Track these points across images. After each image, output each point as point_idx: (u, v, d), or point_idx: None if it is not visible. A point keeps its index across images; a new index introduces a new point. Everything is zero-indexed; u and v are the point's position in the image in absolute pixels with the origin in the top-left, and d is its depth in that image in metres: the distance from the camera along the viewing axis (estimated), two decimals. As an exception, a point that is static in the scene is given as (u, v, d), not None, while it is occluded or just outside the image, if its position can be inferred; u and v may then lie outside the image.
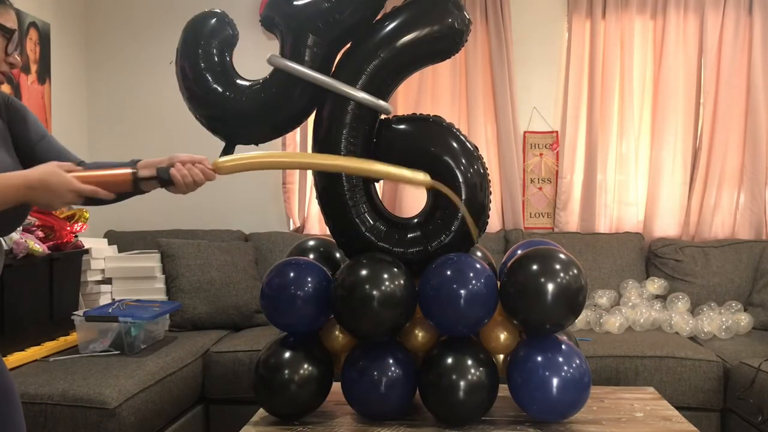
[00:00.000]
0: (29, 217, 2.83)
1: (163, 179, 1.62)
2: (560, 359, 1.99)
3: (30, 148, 1.67)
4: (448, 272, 2.00)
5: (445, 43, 2.13)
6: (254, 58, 2.36)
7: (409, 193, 3.84)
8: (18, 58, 1.60)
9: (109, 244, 3.57)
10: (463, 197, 2.10)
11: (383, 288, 1.97)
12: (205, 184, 1.65)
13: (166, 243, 3.47)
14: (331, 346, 2.18)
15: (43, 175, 1.44)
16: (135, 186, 1.60)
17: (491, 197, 2.19)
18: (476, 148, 2.17)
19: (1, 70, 1.56)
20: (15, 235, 2.63)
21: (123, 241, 3.68)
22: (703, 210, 3.76)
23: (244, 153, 1.77)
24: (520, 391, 2.04)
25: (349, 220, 2.13)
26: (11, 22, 1.57)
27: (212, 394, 3.02)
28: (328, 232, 2.24)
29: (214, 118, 2.10)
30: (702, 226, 3.76)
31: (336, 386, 2.16)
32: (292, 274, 2.10)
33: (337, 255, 2.33)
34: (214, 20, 2.08)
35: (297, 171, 3.96)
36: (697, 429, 2.03)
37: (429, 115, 2.23)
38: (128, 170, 1.60)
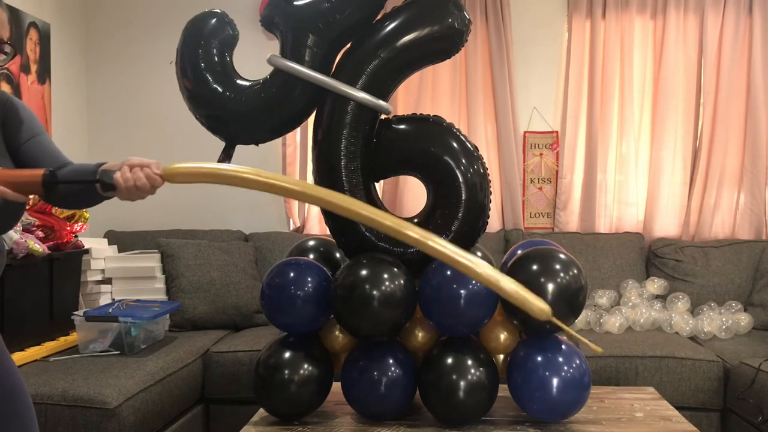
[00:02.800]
0: (29, 217, 2.83)
1: (105, 182, 1.48)
2: (560, 359, 1.99)
3: (17, 148, 1.62)
4: (448, 272, 2.00)
5: (445, 43, 2.13)
6: (254, 58, 2.36)
7: (409, 193, 3.84)
8: None
9: (109, 244, 3.57)
10: (463, 197, 2.10)
11: (383, 288, 1.97)
12: (153, 192, 1.51)
13: (166, 243, 3.47)
14: (331, 346, 2.18)
15: None
16: (47, 189, 1.45)
17: (491, 197, 2.20)
18: (476, 148, 2.17)
19: None
20: (15, 235, 2.63)
21: (123, 241, 3.68)
22: (703, 210, 3.76)
23: (200, 163, 1.58)
24: (520, 391, 2.04)
25: (349, 220, 2.13)
26: None
27: (212, 394, 3.02)
28: (328, 232, 2.24)
29: (214, 118, 2.10)
30: (702, 226, 3.76)
31: (336, 386, 2.16)
32: (292, 274, 2.10)
33: (337, 255, 2.33)
34: (214, 20, 2.08)
35: (297, 170, 3.96)
36: (697, 429, 2.03)
37: (429, 115, 2.23)
38: (40, 171, 1.46)
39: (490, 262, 2.27)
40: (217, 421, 3.04)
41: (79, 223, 3.06)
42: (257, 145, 2.19)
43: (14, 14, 3.26)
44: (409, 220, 2.22)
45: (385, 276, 1.99)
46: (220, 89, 2.05)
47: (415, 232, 1.56)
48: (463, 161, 2.11)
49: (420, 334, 2.13)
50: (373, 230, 2.13)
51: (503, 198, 3.88)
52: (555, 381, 1.96)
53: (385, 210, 2.20)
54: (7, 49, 1.57)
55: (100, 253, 3.34)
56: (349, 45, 2.16)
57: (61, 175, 1.52)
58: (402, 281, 2.00)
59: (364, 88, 2.09)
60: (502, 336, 2.11)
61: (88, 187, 1.54)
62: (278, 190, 1.61)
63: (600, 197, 3.83)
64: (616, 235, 3.74)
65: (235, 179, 1.55)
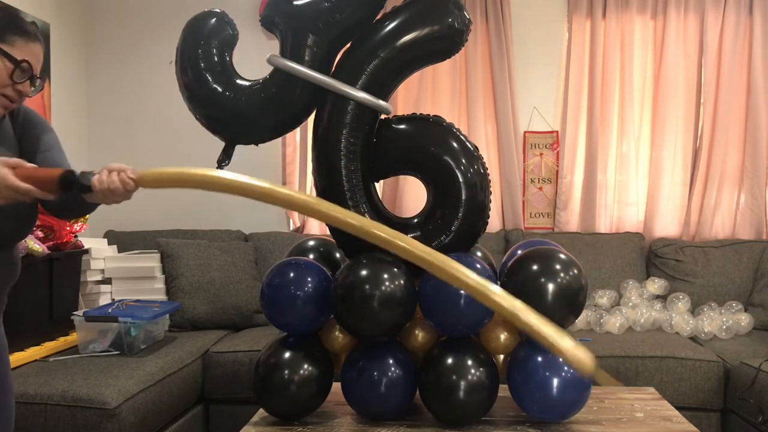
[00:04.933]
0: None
1: (82, 184, 1.53)
2: (560, 359, 1.99)
3: (31, 160, 1.66)
4: (448, 272, 2.00)
5: (445, 43, 2.13)
6: (254, 58, 2.36)
7: (409, 193, 3.84)
8: (29, 88, 1.63)
9: (109, 244, 3.57)
10: (463, 197, 2.10)
11: (383, 288, 1.97)
12: (128, 196, 1.55)
13: (166, 243, 3.47)
14: (331, 346, 2.18)
15: None
16: (62, 186, 1.50)
17: (491, 197, 2.19)
18: (476, 148, 2.17)
19: (6, 93, 1.60)
20: (15, 235, 2.62)
21: (123, 241, 3.68)
22: (703, 210, 3.76)
23: (176, 168, 1.59)
24: (520, 391, 2.04)
25: (349, 219, 2.12)
26: (28, 55, 1.60)
27: (212, 394, 3.02)
28: (328, 232, 2.24)
29: (213, 118, 2.10)
30: (702, 226, 3.76)
31: (336, 386, 2.16)
32: (292, 274, 2.10)
33: (337, 255, 2.33)
34: (214, 20, 2.08)
35: (297, 170, 3.96)
36: (697, 429, 2.02)
37: (429, 115, 2.23)
38: (60, 169, 1.53)
39: (490, 263, 2.27)
40: (217, 421, 3.04)
41: (79, 223, 3.06)
42: (257, 145, 2.19)
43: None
44: (410, 220, 2.22)
45: (385, 276, 1.99)
46: (219, 89, 2.04)
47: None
48: (463, 161, 2.11)
49: (420, 334, 2.13)
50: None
51: (503, 198, 3.88)
52: (555, 381, 1.96)
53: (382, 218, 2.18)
54: (37, 82, 1.65)
55: (100, 253, 3.34)
56: (349, 45, 2.16)
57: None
58: (402, 281, 2.00)
59: (364, 88, 2.09)
60: (502, 336, 2.10)
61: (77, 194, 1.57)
62: (250, 193, 1.59)
63: (600, 197, 3.83)
64: (617, 235, 3.74)
65: (203, 183, 1.56)
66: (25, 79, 1.61)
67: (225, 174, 1.54)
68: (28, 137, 1.72)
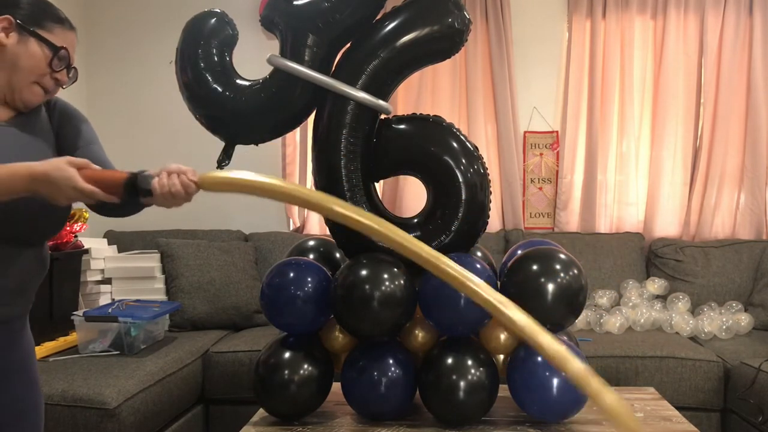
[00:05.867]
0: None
1: (142, 188, 1.47)
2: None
3: (71, 154, 1.62)
4: (448, 272, 2.00)
5: (445, 43, 2.13)
6: (254, 58, 2.36)
7: (409, 193, 3.84)
8: (66, 78, 1.61)
9: (109, 244, 3.57)
10: (463, 197, 2.10)
11: (383, 288, 1.97)
12: (188, 199, 1.49)
13: (166, 243, 3.47)
14: (331, 346, 2.18)
15: (48, 169, 1.38)
16: (126, 188, 1.46)
17: (491, 197, 2.20)
18: (476, 148, 2.17)
19: (43, 82, 1.57)
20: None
21: (123, 241, 3.68)
22: (703, 210, 3.76)
23: (239, 171, 1.52)
24: (520, 391, 2.04)
25: (349, 219, 2.12)
26: (65, 43, 1.58)
27: (212, 394, 3.02)
28: (328, 232, 2.24)
29: (213, 118, 2.10)
30: (702, 226, 3.76)
31: (336, 386, 2.16)
32: (292, 274, 2.10)
33: (337, 255, 2.33)
34: (214, 20, 2.08)
35: (297, 170, 3.96)
36: (697, 429, 2.03)
37: (429, 115, 2.23)
38: (125, 173, 1.48)
39: (489, 263, 2.26)
40: (217, 421, 3.04)
41: (79, 223, 3.05)
42: (257, 145, 2.19)
43: (14, 14, 3.25)
44: (410, 220, 2.22)
45: (385, 276, 1.99)
46: (219, 89, 2.05)
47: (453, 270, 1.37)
48: (463, 161, 2.11)
49: (420, 334, 2.13)
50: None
51: (503, 198, 3.88)
52: (555, 381, 1.96)
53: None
54: (72, 72, 1.63)
55: (100, 253, 3.34)
56: (349, 45, 2.16)
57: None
58: (402, 281, 2.00)
59: (364, 88, 2.09)
60: (502, 336, 2.11)
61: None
62: (316, 207, 1.54)
63: (600, 197, 3.83)
64: (617, 235, 3.74)
65: (272, 192, 1.48)
66: (62, 68, 1.58)
67: (289, 185, 1.49)
68: (66, 129, 1.68)
